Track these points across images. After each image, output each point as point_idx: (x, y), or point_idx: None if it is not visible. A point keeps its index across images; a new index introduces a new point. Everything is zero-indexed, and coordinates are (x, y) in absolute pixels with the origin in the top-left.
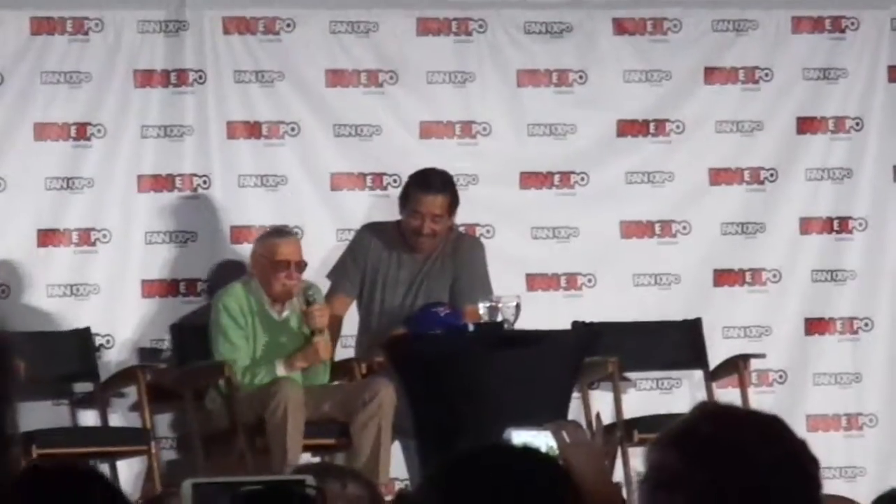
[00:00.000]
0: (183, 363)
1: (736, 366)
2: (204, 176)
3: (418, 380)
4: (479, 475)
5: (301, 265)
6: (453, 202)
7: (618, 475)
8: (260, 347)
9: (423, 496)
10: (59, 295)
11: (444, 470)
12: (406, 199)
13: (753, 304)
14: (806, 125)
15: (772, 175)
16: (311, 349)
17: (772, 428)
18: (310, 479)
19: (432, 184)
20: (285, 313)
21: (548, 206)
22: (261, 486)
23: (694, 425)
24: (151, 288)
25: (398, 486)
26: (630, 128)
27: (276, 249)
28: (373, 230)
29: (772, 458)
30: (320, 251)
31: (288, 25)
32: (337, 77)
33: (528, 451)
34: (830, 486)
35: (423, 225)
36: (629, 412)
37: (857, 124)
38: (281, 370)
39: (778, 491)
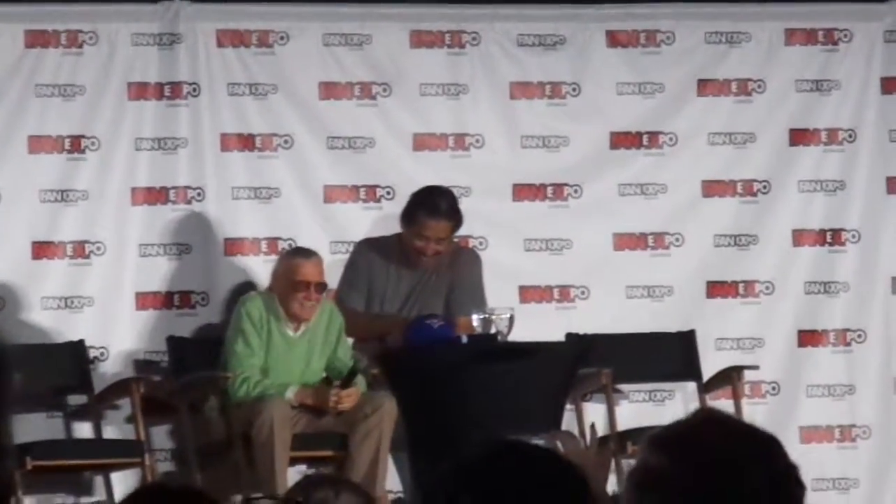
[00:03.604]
0: (179, 375)
1: (729, 377)
2: (198, 188)
3: (411, 392)
4: (508, 470)
5: (321, 286)
6: (458, 225)
7: (611, 487)
8: (270, 360)
9: (445, 490)
10: (53, 307)
11: (471, 463)
12: (411, 220)
13: (746, 315)
14: (799, 137)
15: (765, 187)
16: (323, 395)
17: (768, 447)
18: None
19: (440, 209)
20: (300, 331)
21: (541, 218)
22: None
23: (692, 430)
24: (145, 300)
25: (391, 497)
26: (623, 140)
27: (296, 269)
28: (370, 245)
29: (762, 476)
30: None
31: (281, 38)
32: (330, 90)
33: (552, 452)
34: (824, 498)
35: (426, 247)
36: (622, 424)
37: (850, 136)
38: (291, 395)
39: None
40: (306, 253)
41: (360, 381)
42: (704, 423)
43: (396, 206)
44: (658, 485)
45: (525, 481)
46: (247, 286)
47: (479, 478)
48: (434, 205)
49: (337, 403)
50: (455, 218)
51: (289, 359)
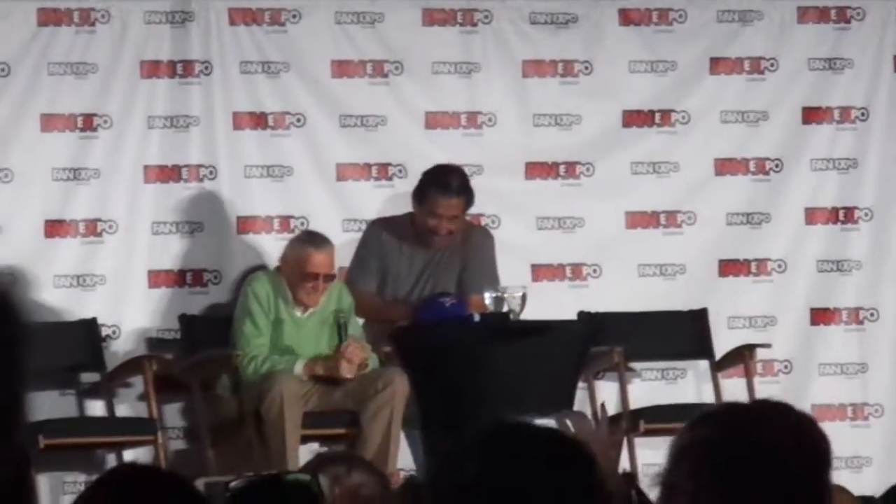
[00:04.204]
0: (191, 353)
1: (741, 356)
2: (210, 166)
3: (424, 370)
4: (510, 451)
5: (330, 277)
6: (469, 202)
7: (623, 465)
8: (279, 338)
9: (451, 470)
10: (65, 285)
11: (477, 444)
12: (423, 199)
13: (759, 294)
14: (811, 115)
15: (777, 165)
16: (333, 363)
17: (778, 406)
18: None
19: (451, 186)
20: (307, 312)
21: (553, 196)
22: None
23: (705, 410)
24: (158, 278)
25: (403, 475)
26: (635, 118)
27: (307, 260)
28: (382, 225)
29: (777, 430)
30: None
31: (294, 16)
32: (343, 68)
33: (557, 431)
34: (836, 477)
35: (440, 225)
36: (635, 402)
37: (863, 114)
38: (299, 369)
39: (783, 461)
40: (318, 242)
41: (356, 323)
42: (720, 404)
43: (409, 185)
44: (682, 453)
45: (530, 460)
46: (259, 264)
47: (483, 458)
48: (445, 183)
49: (346, 359)
50: (466, 195)
51: (298, 338)
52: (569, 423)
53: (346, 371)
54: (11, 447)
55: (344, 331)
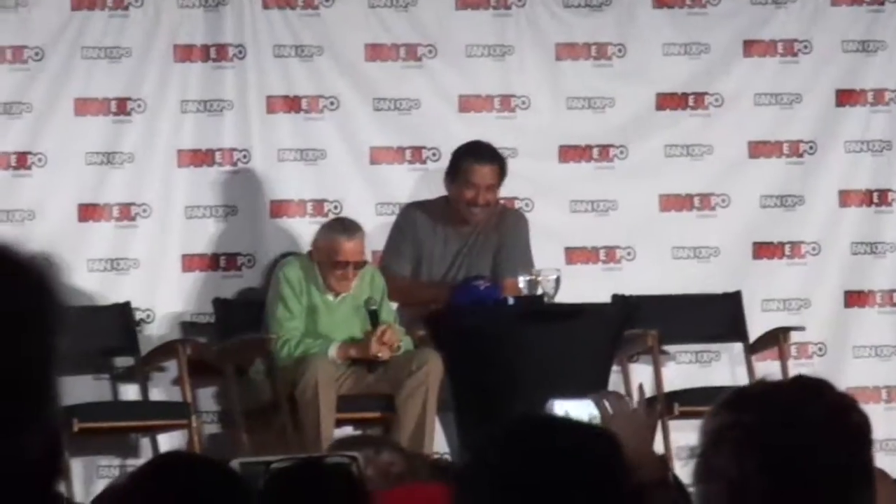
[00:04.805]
0: (225, 337)
1: (776, 338)
2: (244, 150)
3: (458, 353)
4: (532, 444)
5: (360, 264)
6: (503, 171)
7: (658, 448)
8: (313, 323)
9: (476, 462)
10: (99, 269)
11: (498, 438)
12: (457, 172)
13: (793, 276)
14: (845, 97)
15: (811, 148)
16: (366, 345)
17: (816, 385)
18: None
19: (484, 154)
20: (340, 296)
21: (587, 179)
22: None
23: (741, 389)
24: (192, 262)
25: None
26: (669, 101)
27: (337, 248)
28: (417, 208)
29: (815, 413)
30: None
31: (327, 0)
32: (376, 51)
33: (579, 423)
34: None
35: (478, 196)
36: (669, 385)
37: None
38: (333, 352)
39: (824, 445)
40: (348, 230)
41: (389, 307)
42: (754, 383)
43: (442, 168)
44: (719, 439)
45: (553, 451)
46: (293, 248)
47: (507, 447)
48: (477, 152)
49: (381, 342)
50: (500, 162)
51: (330, 322)
52: (606, 403)
53: (379, 351)
54: (43, 426)
55: (376, 317)
